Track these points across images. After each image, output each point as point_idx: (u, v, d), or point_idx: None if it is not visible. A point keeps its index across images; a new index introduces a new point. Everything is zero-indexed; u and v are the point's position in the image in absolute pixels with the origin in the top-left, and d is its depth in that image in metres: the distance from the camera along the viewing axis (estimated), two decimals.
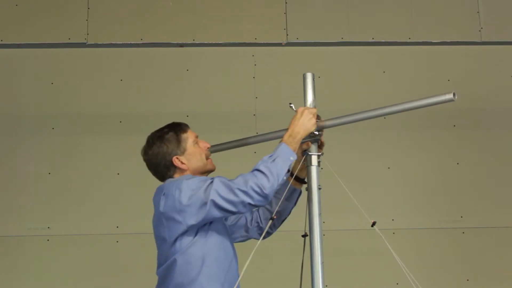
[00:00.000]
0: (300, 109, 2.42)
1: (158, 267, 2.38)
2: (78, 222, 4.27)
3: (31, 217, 4.28)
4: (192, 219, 2.26)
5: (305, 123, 2.38)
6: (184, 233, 2.28)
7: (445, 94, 2.24)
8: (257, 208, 2.65)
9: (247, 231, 2.62)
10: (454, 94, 2.21)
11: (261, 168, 2.25)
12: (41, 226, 4.26)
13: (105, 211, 4.29)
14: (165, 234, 2.32)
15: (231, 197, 2.23)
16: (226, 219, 2.60)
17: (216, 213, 2.25)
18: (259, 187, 2.22)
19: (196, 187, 2.28)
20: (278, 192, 2.62)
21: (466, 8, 4.69)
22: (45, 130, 4.41)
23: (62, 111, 4.45)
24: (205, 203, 2.24)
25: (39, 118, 4.43)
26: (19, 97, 4.47)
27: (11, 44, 4.50)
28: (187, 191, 2.27)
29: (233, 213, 2.27)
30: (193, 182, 2.30)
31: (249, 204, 2.23)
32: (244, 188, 2.22)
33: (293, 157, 2.32)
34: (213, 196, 2.24)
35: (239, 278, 2.35)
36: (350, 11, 4.64)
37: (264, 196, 2.23)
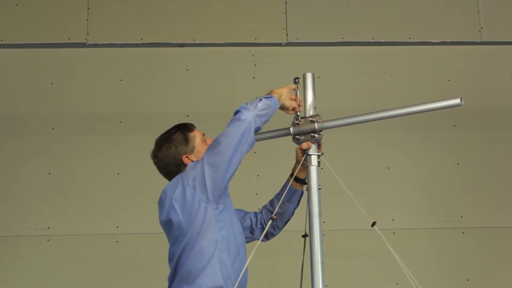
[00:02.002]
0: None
1: (170, 260, 2.38)
2: (78, 222, 4.27)
3: (31, 217, 4.28)
4: (203, 194, 2.28)
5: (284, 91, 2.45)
6: (199, 215, 2.29)
7: (452, 99, 2.25)
8: (260, 210, 2.66)
9: (252, 232, 2.63)
10: (461, 99, 2.23)
11: (236, 110, 2.33)
12: (41, 226, 4.26)
13: (105, 211, 4.29)
14: (180, 220, 2.32)
15: (217, 147, 2.27)
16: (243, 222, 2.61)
17: (217, 174, 2.27)
18: (235, 120, 2.28)
19: (196, 163, 2.35)
20: (279, 193, 2.63)
21: (466, 8, 4.70)
22: (45, 130, 4.41)
23: (62, 111, 4.45)
24: (203, 171, 2.28)
25: (39, 118, 4.43)
26: (19, 97, 4.47)
27: (11, 44, 4.50)
28: (191, 170, 2.33)
29: (228, 163, 2.26)
30: (194, 163, 2.37)
31: (234, 141, 2.25)
32: (223, 132, 2.28)
33: (267, 96, 2.38)
34: (206, 158, 2.29)
35: (246, 264, 2.35)
36: (350, 11, 4.64)
37: (242, 122, 2.26)
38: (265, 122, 2.36)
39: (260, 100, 2.35)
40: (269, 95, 2.41)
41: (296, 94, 2.48)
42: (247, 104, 2.33)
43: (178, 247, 2.33)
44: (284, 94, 2.43)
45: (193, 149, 2.47)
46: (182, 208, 2.32)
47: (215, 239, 2.29)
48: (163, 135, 2.52)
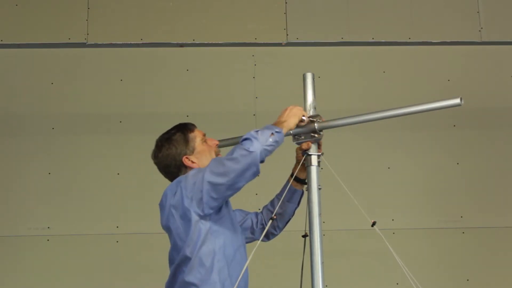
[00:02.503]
0: (288, 107, 2.45)
1: (171, 263, 2.39)
2: (78, 222, 4.27)
3: (31, 217, 4.27)
4: (199, 207, 2.27)
5: (292, 111, 2.41)
6: (195, 226, 2.28)
7: (452, 98, 2.25)
8: (261, 211, 2.66)
9: (252, 233, 2.63)
10: (461, 99, 2.23)
11: (245, 136, 2.28)
12: (41, 226, 4.26)
13: (105, 211, 4.29)
14: (178, 227, 2.32)
15: (221, 169, 2.24)
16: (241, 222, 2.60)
17: (216, 193, 2.25)
18: (244, 149, 2.23)
19: (197, 174, 2.31)
20: (279, 194, 2.63)
21: (466, 8, 4.70)
22: (45, 130, 4.41)
23: (62, 111, 4.45)
24: (202, 187, 2.26)
25: (39, 118, 4.43)
26: (19, 97, 4.47)
27: (11, 44, 4.50)
28: (191, 181, 2.30)
29: (229, 186, 2.24)
30: (195, 172, 2.34)
31: (239, 169, 2.22)
32: (230, 156, 2.24)
33: (278, 130, 2.31)
34: (207, 176, 2.26)
35: (246, 264, 2.34)
36: (350, 11, 4.64)
37: (250, 154, 2.22)
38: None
39: (272, 134, 2.29)
40: (278, 130, 2.32)
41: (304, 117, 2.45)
42: (257, 132, 2.28)
43: (178, 254, 2.33)
44: (293, 124, 2.40)
45: (193, 150, 2.47)
46: (180, 216, 2.32)
47: (213, 249, 2.29)
48: (164, 136, 2.51)
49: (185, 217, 2.30)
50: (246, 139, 2.27)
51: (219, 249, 2.30)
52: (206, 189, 2.26)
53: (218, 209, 2.34)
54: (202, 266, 2.27)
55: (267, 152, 2.27)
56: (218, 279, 2.27)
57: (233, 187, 2.26)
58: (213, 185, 2.25)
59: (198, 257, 2.28)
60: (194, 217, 2.29)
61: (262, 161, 2.28)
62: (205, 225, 2.30)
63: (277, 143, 2.30)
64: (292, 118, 2.40)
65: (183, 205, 2.30)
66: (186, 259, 2.30)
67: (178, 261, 2.32)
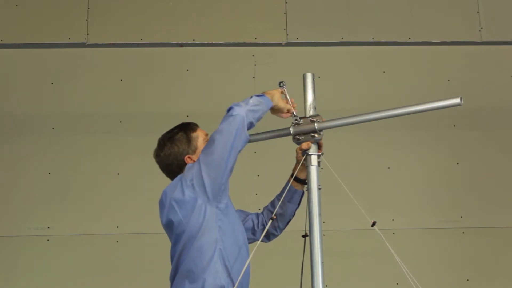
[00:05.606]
0: None
1: (172, 260, 2.39)
2: (78, 222, 4.27)
3: (31, 217, 4.28)
4: (203, 193, 2.29)
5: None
6: (198, 214, 2.30)
7: (452, 98, 2.26)
8: (261, 211, 2.66)
9: (254, 233, 2.63)
10: (461, 99, 2.23)
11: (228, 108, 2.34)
12: (41, 226, 4.26)
13: (105, 211, 4.29)
14: (180, 219, 2.33)
15: (211, 145, 2.29)
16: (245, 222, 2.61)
17: (214, 172, 2.28)
18: (228, 116, 2.31)
19: (194, 163, 2.37)
20: (279, 194, 2.63)
21: (466, 8, 4.70)
22: (45, 130, 4.41)
23: (62, 111, 4.45)
24: (201, 171, 2.29)
25: (39, 118, 4.43)
26: (19, 97, 4.47)
27: (11, 44, 4.50)
28: (189, 170, 2.34)
29: (224, 159, 2.27)
30: (192, 164, 2.40)
31: (228, 137, 2.27)
32: (216, 130, 2.30)
33: (259, 94, 2.39)
34: (202, 158, 2.31)
35: (247, 263, 2.34)
36: (350, 11, 4.65)
37: (234, 118, 2.28)
38: (259, 119, 2.37)
39: (251, 97, 2.37)
40: (261, 94, 2.42)
41: (286, 97, 2.49)
42: (238, 102, 2.35)
43: (179, 245, 2.34)
44: (276, 95, 2.45)
45: (195, 150, 2.47)
46: (181, 207, 2.33)
47: (215, 238, 2.29)
48: (166, 135, 2.52)
49: (187, 207, 2.31)
50: (229, 109, 2.34)
51: (222, 240, 2.30)
52: (204, 172, 2.29)
53: (223, 196, 2.34)
54: (204, 254, 2.27)
55: (253, 113, 2.33)
56: (220, 269, 2.27)
57: (228, 160, 2.28)
58: (209, 164, 2.28)
59: (199, 243, 2.28)
60: (200, 205, 2.30)
61: (251, 124, 2.33)
62: (210, 211, 2.31)
63: (261, 104, 2.36)
64: (273, 90, 2.46)
65: (184, 196, 2.31)
66: (187, 247, 2.30)
67: (180, 251, 2.32)
